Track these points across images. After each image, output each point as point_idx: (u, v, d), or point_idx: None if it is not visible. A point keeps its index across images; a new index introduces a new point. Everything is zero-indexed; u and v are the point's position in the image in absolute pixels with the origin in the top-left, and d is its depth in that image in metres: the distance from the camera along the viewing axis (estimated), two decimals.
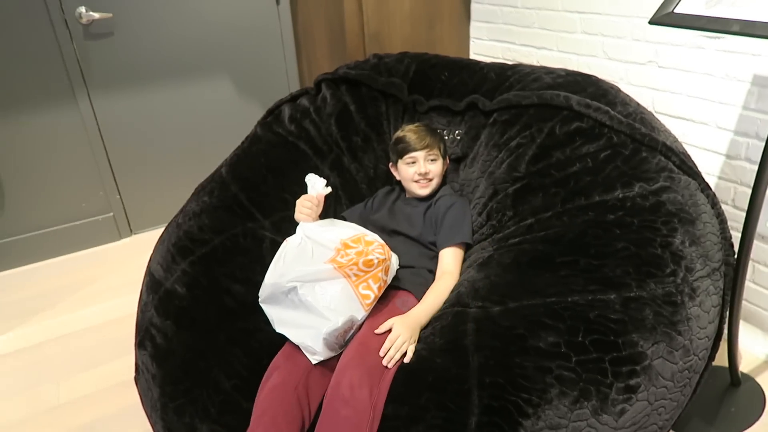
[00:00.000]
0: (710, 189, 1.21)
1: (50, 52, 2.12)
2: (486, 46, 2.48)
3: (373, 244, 1.15)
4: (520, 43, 2.28)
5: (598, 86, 1.41)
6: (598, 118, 1.29)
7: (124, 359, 1.74)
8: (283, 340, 1.12)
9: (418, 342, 1.08)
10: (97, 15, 2.11)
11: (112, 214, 2.46)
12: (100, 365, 1.76)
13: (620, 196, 1.16)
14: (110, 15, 2.14)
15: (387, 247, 1.17)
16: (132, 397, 1.53)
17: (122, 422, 1.53)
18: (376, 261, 1.12)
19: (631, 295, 1.01)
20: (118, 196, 2.44)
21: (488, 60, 1.77)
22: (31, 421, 1.58)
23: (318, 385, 1.03)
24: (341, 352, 1.07)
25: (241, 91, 2.53)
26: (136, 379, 1.22)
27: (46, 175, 2.28)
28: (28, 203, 2.29)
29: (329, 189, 1.29)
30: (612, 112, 1.29)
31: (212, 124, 2.51)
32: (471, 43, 2.57)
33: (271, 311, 1.14)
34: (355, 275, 1.10)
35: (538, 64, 1.94)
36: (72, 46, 2.14)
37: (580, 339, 0.95)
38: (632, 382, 0.93)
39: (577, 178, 1.22)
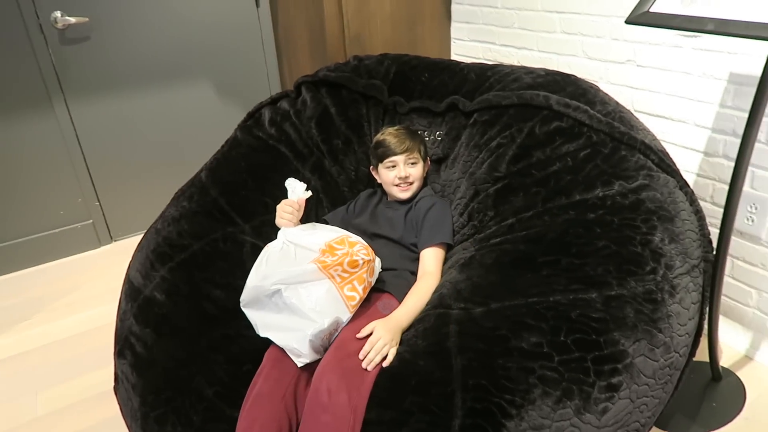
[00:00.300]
0: (688, 186, 1.22)
1: (25, 58, 2.08)
2: (467, 46, 2.49)
3: (357, 245, 1.14)
4: (500, 43, 2.29)
5: (578, 85, 1.42)
6: (577, 118, 1.29)
7: (105, 369, 1.70)
8: (265, 344, 1.11)
9: (400, 344, 1.07)
10: (73, 19, 2.08)
11: (91, 221, 2.42)
12: (80, 375, 1.73)
13: (600, 194, 1.17)
14: (86, 19, 2.11)
15: (371, 249, 1.17)
16: (113, 407, 1.50)
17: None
18: (360, 262, 1.12)
19: (612, 293, 1.01)
20: (98, 203, 2.40)
21: (469, 60, 1.78)
22: None
23: (305, 393, 1.02)
24: None
25: (221, 95, 2.51)
26: (116, 389, 1.20)
27: (22, 182, 2.23)
28: (5, 211, 2.24)
29: (310, 193, 1.28)
30: (591, 111, 1.29)
31: (192, 129, 2.48)
32: (452, 43, 2.58)
33: (253, 315, 1.13)
34: (340, 276, 1.09)
35: (519, 64, 1.94)
36: (47, 51, 2.11)
37: (562, 338, 0.95)
38: (614, 380, 0.93)
39: (558, 177, 1.22)
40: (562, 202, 1.18)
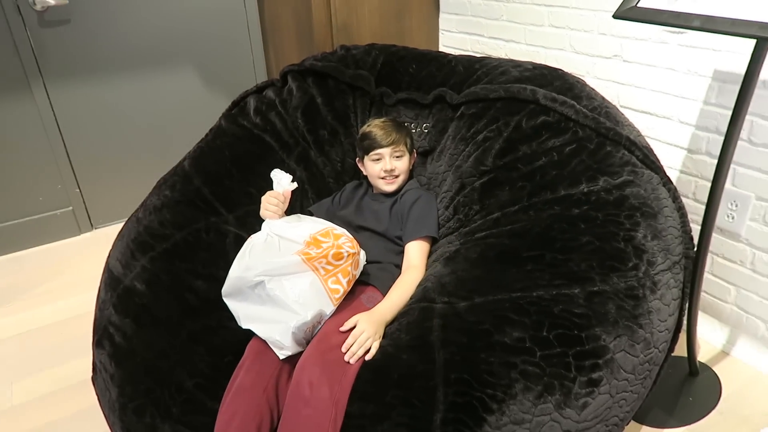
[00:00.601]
0: (672, 183, 1.23)
1: (2, 41, 2.02)
2: (455, 38, 2.47)
3: (342, 238, 1.13)
4: (488, 35, 2.28)
5: (565, 80, 1.42)
6: (564, 112, 1.29)
7: (82, 359, 1.68)
8: (247, 336, 1.10)
9: (383, 338, 1.07)
10: (52, 1, 2.02)
11: (71, 208, 2.37)
12: (56, 365, 1.70)
13: (585, 190, 1.17)
14: (66, 1, 2.05)
15: (355, 241, 1.16)
16: (90, 398, 1.48)
17: (79, 424, 1.48)
18: (345, 254, 1.11)
19: (595, 289, 1.02)
20: (78, 190, 2.36)
21: (458, 52, 1.77)
22: None
23: (287, 386, 1.01)
24: None
25: (205, 82, 2.47)
26: (93, 380, 1.18)
27: (1, 167, 2.18)
28: None
29: (295, 185, 1.26)
30: (578, 107, 1.29)
31: (175, 116, 2.44)
32: (440, 35, 2.56)
33: (235, 306, 1.12)
34: (324, 269, 1.08)
35: (507, 57, 1.94)
36: (26, 33, 2.05)
37: (544, 334, 0.96)
38: (595, 375, 0.94)
39: (543, 171, 1.22)
40: (547, 197, 1.18)
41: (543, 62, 1.57)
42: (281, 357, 1.03)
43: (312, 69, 1.69)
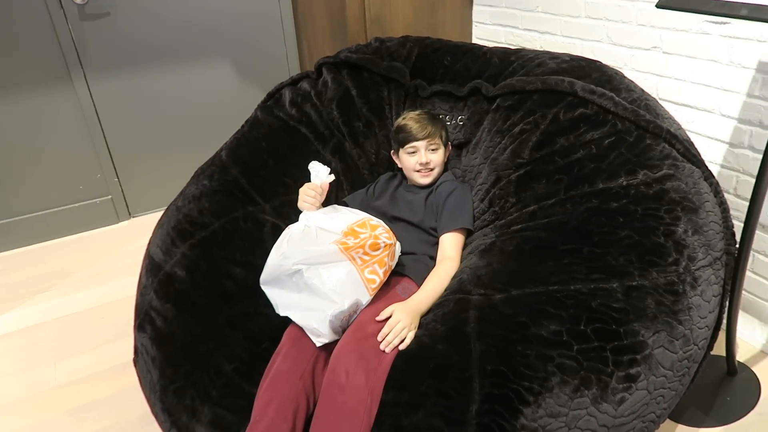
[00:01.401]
0: (713, 177, 1.20)
1: (45, 33, 2.08)
2: (489, 30, 2.45)
3: (379, 228, 1.14)
4: (523, 27, 2.25)
5: (603, 72, 1.40)
6: (602, 105, 1.27)
7: (121, 342, 1.74)
8: (283, 323, 1.12)
9: (419, 328, 1.08)
10: None
11: (110, 196, 2.44)
12: (97, 347, 1.76)
13: (624, 183, 1.15)
14: None
15: (392, 232, 1.17)
16: (129, 380, 1.54)
17: (119, 404, 1.53)
18: (382, 245, 1.12)
19: (634, 283, 1.00)
20: (117, 179, 2.43)
21: (491, 44, 1.75)
22: (28, 402, 1.58)
23: (323, 373, 1.03)
24: None
25: (240, 74, 2.50)
26: (135, 362, 1.22)
27: (43, 157, 2.26)
28: (26, 185, 2.27)
29: (333, 177, 1.28)
30: (617, 99, 1.27)
31: (212, 107, 2.48)
32: (474, 27, 2.54)
33: (273, 294, 1.14)
34: (361, 259, 1.09)
35: (542, 49, 1.91)
36: (67, 26, 2.11)
37: (582, 327, 0.95)
38: (632, 371, 0.93)
39: (581, 164, 1.21)
40: (584, 190, 1.17)
41: (579, 54, 1.55)
42: (318, 344, 1.05)
43: (347, 61, 1.70)
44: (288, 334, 1.09)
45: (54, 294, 2.05)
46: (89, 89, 2.24)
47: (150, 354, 1.14)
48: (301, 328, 1.07)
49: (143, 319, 1.19)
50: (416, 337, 1.04)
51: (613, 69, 1.43)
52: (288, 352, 1.05)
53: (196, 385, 1.06)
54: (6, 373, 1.69)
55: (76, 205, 2.38)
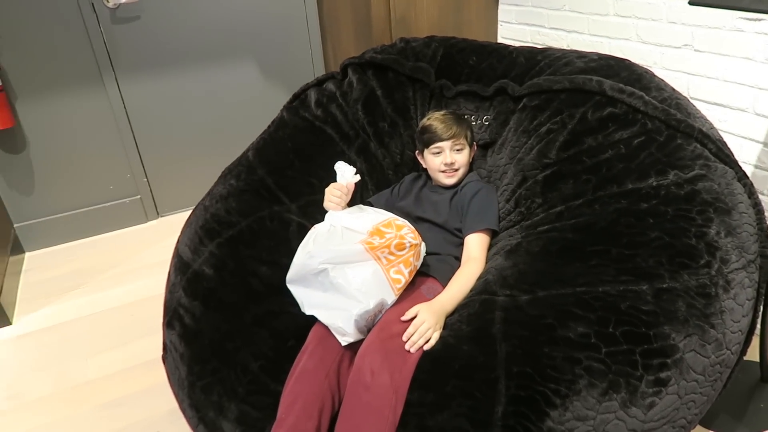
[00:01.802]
0: (747, 178, 1.17)
1: (78, 36, 2.14)
2: (515, 29, 2.43)
3: (404, 229, 1.14)
4: (549, 26, 2.23)
5: (632, 70, 1.37)
6: (631, 104, 1.25)
7: (151, 339, 1.77)
8: (308, 321, 1.13)
9: (444, 329, 1.07)
10: None
11: (139, 196, 2.49)
12: (127, 344, 1.80)
13: (654, 184, 1.13)
14: None
15: (417, 232, 1.16)
16: (158, 375, 1.57)
17: (148, 400, 1.56)
18: (408, 245, 1.12)
19: (664, 286, 0.98)
20: (145, 179, 2.48)
21: (517, 44, 1.74)
22: (59, 396, 1.62)
23: (348, 372, 1.04)
24: None
25: (266, 75, 2.53)
26: (164, 358, 1.24)
27: (76, 157, 2.32)
28: (59, 185, 2.33)
29: (358, 177, 1.28)
30: (646, 98, 1.25)
31: (238, 108, 2.52)
32: (499, 26, 2.53)
33: (299, 292, 1.15)
34: (387, 259, 1.09)
35: (569, 48, 1.89)
36: (99, 29, 2.16)
37: (610, 330, 0.94)
38: (663, 375, 0.91)
39: (610, 165, 1.19)
40: (613, 190, 1.15)
41: (608, 53, 1.53)
42: (343, 343, 1.05)
43: (372, 61, 1.70)
44: (314, 332, 1.10)
45: (85, 291, 2.10)
46: (120, 91, 2.29)
47: (178, 350, 1.16)
48: (326, 327, 1.08)
49: (172, 317, 1.22)
50: (441, 337, 1.04)
51: (642, 67, 1.40)
52: (314, 351, 1.06)
53: (223, 381, 1.08)
54: (39, 368, 1.74)
55: (107, 204, 2.44)
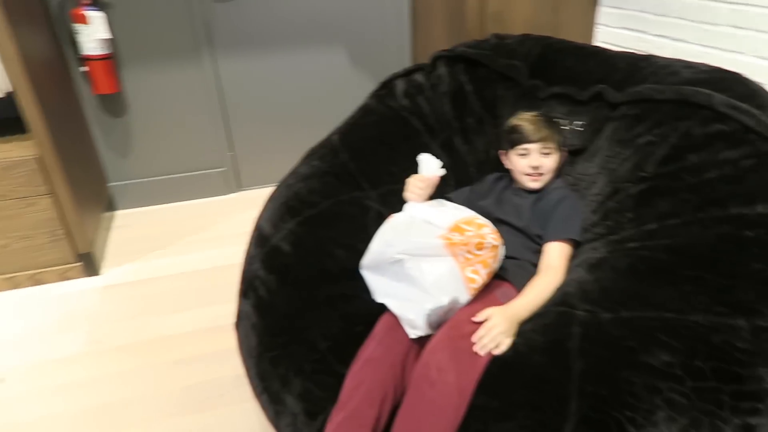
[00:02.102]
0: None
1: (182, 11, 2.25)
2: (613, 33, 2.32)
3: (486, 228, 1.12)
4: (653, 33, 2.10)
5: (747, 86, 1.27)
6: (744, 122, 1.16)
7: (223, 306, 1.85)
8: (378, 309, 1.13)
9: (516, 336, 1.04)
10: None
11: (225, 168, 2.60)
12: (202, 307, 1.89)
13: (762, 211, 1.04)
14: None
15: (499, 233, 1.14)
16: (227, 341, 1.64)
17: (216, 363, 1.64)
18: (488, 245, 1.09)
19: (764, 324, 0.91)
20: (232, 153, 2.58)
21: (615, 49, 1.65)
22: (135, 347, 1.73)
23: (413, 366, 1.03)
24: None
25: (355, 62, 2.56)
26: (237, 326, 1.29)
27: (169, 125, 2.45)
28: (152, 150, 2.48)
29: (444, 171, 1.27)
30: (761, 117, 1.15)
31: (325, 92, 2.57)
32: (596, 29, 2.41)
33: (372, 279, 1.16)
34: (464, 257, 1.07)
35: (674, 57, 1.78)
36: (200, 7, 2.26)
37: (698, 363, 0.88)
38: (753, 421, 0.84)
39: (713, 186, 1.11)
40: (715, 213, 1.07)
41: (718, 66, 1.42)
42: (411, 336, 1.05)
43: (463, 56, 1.68)
44: (383, 321, 1.10)
45: (167, 252, 2.22)
46: (216, 66, 2.39)
47: (251, 320, 1.20)
48: (395, 317, 1.08)
49: (248, 287, 1.26)
50: (513, 344, 1.01)
51: (757, 84, 1.30)
52: (382, 339, 1.06)
53: (291, 356, 1.11)
54: (120, 318, 1.86)
55: (194, 173, 2.57)
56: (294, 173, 1.48)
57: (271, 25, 2.38)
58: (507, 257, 1.20)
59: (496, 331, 1.01)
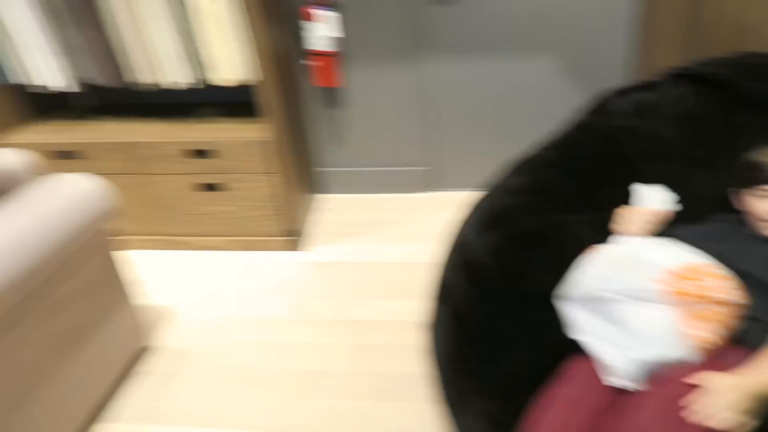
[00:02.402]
0: None
1: (402, 14, 2.37)
2: None
3: (723, 280, 0.98)
4: None
5: None
6: None
7: (409, 302, 1.95)
8: (570, 344, 1.09)
9: (752, 417, 0.86)
10: None
11: (427, 168, 2.72)
12: (390, 299, 2.01)
13: None
14: None
15: (742, 291, 0.99)
16: (408, 337, 1.73)
17: (394, 355, 1.74)
18: (724, 301, 0.95)
19: None
20: (435, 153, 2.68)
21: None
22: (329, 324, 1.91)
23: (605, 418, 0.96)
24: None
25: (569, 73, 2.45)
26: (430, 327, 1.30)
27: (379, 121, 2.63)
28: (362, 143, 2.70)
29: (674, 208, 1.13)
30: None
31: (533, 101, 2.52)
32: None
33: (573, 313, 1.11)
34: (694, 311, 0.95)
35: None
36: (418, 10, 2.36)
37: None
38: None
39: None
40: None
41: None
42: (608, 383, 0.99)
43: (702, 75, 1.50)
44: (579, 362, 1.05)
45: (365, 241, 2.41)
46: (426, 69, 2.49)
47: (448, 328, 1.23)
48: (591, 360, 1.02)
49: (447, 294, 1.28)
50: (744, 424, 0.85)
51: None
52: (575, 383, 1.01)
53: (476, 373, 1.13)
54: (320, 294, 2.08)
55: (397, 168, 2.73)
56: (503, 185, 1.45)
57: (486, 32, 2.39)
58: (747, 317, 1.03)
59: (714, 404, 0.86)
